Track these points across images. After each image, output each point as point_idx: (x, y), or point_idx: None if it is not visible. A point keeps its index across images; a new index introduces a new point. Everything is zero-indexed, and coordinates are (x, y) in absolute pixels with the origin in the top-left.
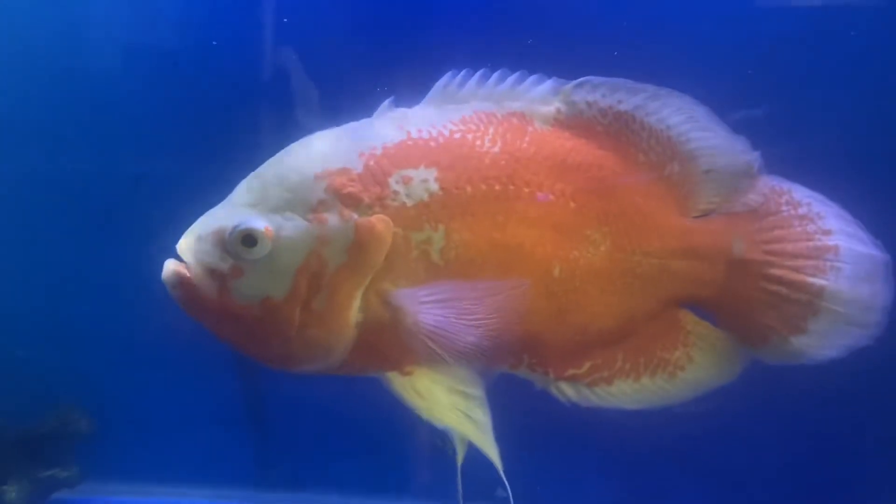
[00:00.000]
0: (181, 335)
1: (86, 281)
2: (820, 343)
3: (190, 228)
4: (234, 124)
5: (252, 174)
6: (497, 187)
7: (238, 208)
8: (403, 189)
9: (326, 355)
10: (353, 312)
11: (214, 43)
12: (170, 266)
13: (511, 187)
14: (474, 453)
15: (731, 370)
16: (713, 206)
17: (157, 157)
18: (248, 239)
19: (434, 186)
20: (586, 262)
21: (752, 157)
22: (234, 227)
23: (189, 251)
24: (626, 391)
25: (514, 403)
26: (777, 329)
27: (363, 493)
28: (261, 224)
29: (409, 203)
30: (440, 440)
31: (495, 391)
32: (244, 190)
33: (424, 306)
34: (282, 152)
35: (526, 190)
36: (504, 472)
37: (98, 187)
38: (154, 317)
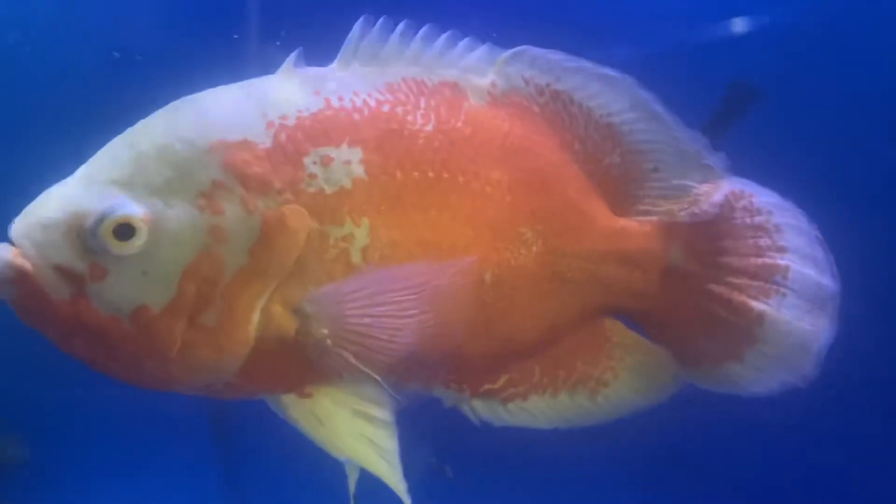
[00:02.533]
0: None
1: None
2: (752, 376)
3: (30, 208)
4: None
5: (118, 140)
6: (430, 174)
7: (101, 186)
8: (322, 172)
9: (211, 378)
10: (252, 327)
11: None
12: (2, 254)
13: (445, 175)
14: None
15: (662, 390)
16: (657, 209)
17: None
18: (121, 229)
19: (358, 170)
20: (517, 266)
21: (711, 158)
22: (103, 214)
23: (30, 241)
24: (542, 408)
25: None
26: (711, 353)
27: None
28: (137, 210)
29: (329, 190)
30: (435, 458)
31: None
32: (108, 161)
33: (349, 308)
34: (160, 113)
35: (461, 179)
36: None
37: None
38: None
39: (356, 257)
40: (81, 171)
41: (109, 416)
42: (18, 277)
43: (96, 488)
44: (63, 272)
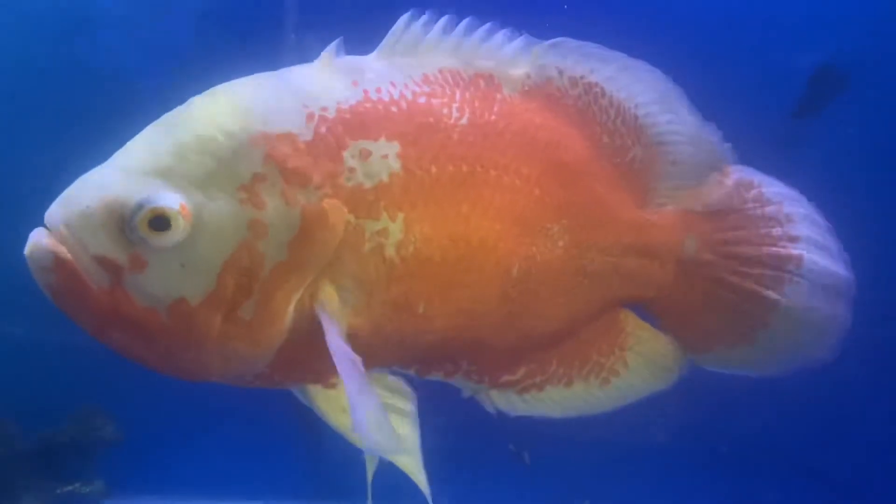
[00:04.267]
0: None
1: None
2: (765, 358)
3: (67, 194)
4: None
5: (155, 128)
6: (464, 169)
7: (141, 176)
8: (360, 166)
9: (244, 370)
10: (287, 320)
11: None
12: (41, 240)
13: (478, 169)
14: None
15: (668, 377)
16: (671, 200)
17: None
18: (159, 221)
19: (395, 164)
20: (543, 260)
21: (722, 150)
22: (139, 204)
23: (69, 229)
24: (556, 398)
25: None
26: (723, 338)
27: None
28: (175, 201)
29: (367, 184)
30: (513, 445)
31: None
32: (147, 150)
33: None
34: (198, 102)
35: (493, 173)
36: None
37: None
38: None
39: (390, 251)
40: (119, 160)
41: (198, 397)
42: (57, 265)
43: (185, 467)
44: (102, 262)
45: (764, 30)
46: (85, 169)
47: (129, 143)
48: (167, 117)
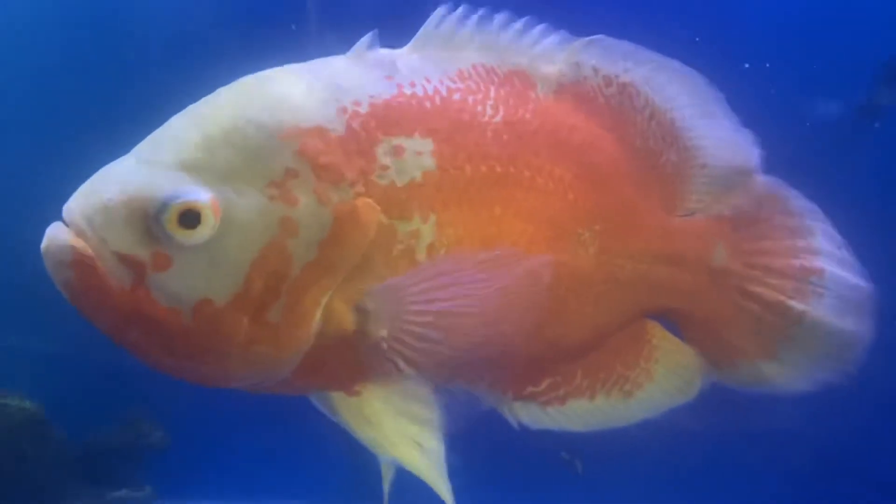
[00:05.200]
0: None
1: None
2: (790, 373)
3: (88, 187)
4: None
5: (181, 119)
6: (497, 169)
7: (166, 170)
8: (393, 163)
9: (268, 376)
10: (315, 324)
11: None
12: (60, 234)
13: (511, 170)
14: None
15: (690, 391)
16: (700, 206)
17: None
18: (187, 217)
19: (429, 162)
20: (574, 267)
21: (755, 157)
22: (167, 199)
23: (90, 224)
24: (579, 411)
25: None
26: (747, 352)
27: None
28: (205, 197)
29: (399, 182)
30: (566, 453)
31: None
32: (173, 143)
33: (410, 303)
34: (226, 93)
35: (526, 174)
36: None
37: None
38: None
39: (421, 254)
40: (143, 152)
41: (244, 403)
42: (76, 261)
43: (231, 472)
44: (123, 259)
45: (825, 27)
46: (104, 162)
47: (152, 135)
48: (193, 108)
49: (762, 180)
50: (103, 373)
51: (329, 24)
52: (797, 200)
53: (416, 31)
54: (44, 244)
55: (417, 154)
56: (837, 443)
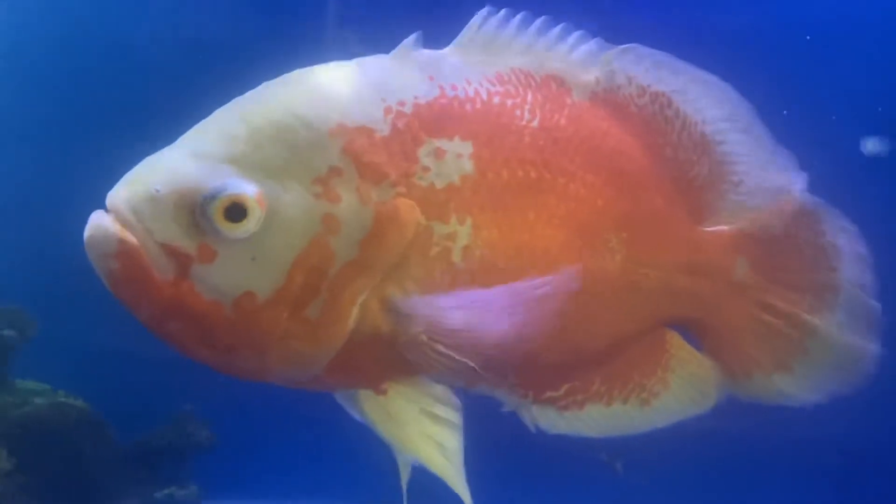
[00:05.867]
0: None
1: None
2: (803, 385)
3: (134, 176)
4: None
5: (227, 113)
6: (533, 174)
7: (214, 162)
8: (434, 165)
9: (302, 372)
10: (351, 321)
11: None
12: (105, 223)
13: (547, 176)
14: None
15: (706, 402)
16: (732, 221)
17: None
18: (234, 210)
19: (468, 166)
20: (600, 274)
21: (792, 176)
22: (215, 191)
23: (136, 215)
24: (595, 417)
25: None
26: (762, 364)
27: None
28: (252, 190)
29: (439, 185)
30: (607, 455)
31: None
32: (219, 136)
33: (445, 317)
34: (273, 88)
35: (560, 181)
36: None
37: None
38: None
39: (457, 257)
40: (189, 144)
41: (289, 402)
42: (121, 251)
43: (279, 471)
44: (169, 251)
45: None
46: (139, 158)
47: (198, 127)
48: (239, 102)
49: (798, 199)
50: (153, 374)
51: (349, 24)
52: (833, 219)
53: (433, 30)
54: (87, 233)
55: (457, 157)
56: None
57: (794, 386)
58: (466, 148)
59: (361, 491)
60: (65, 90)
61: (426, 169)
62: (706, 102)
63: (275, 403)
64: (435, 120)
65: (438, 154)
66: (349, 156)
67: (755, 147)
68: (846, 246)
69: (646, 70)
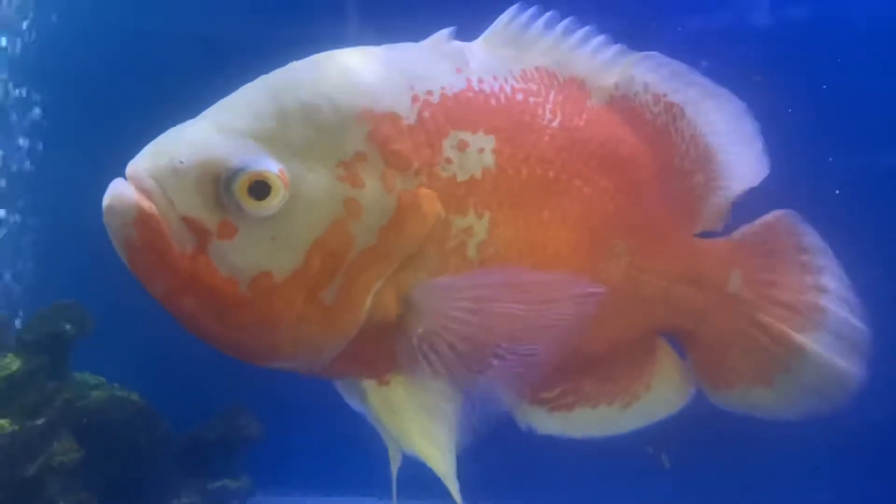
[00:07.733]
0: None
1: None
2: (782, 402)
3: (157, 148)
4: None
5: (255, 89)
6: (550, 174)
7: (240, 138)
8: (457, 157)
9: (312, 358)
10: (365, 309)
11: None
12: (126, 192)
13: (563, 177)
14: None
15: (678, 403)
16: (724, 232)
17: None
18: (258, 187)
19: (489, 160)
20: (605, 279)
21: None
22: (240, 167)
23: (159, 185)
24: (582, 418)
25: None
26: (744, 376)
27: None
28: (276, 168)
29: (460, 177)
30: (652, 447)
31: None
32: (246, 112)
33: (456, 305)
34: (301, 68)
35: (576, 182)
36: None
37: None
38: None
39: (472, 251)
40: (214, 117)
41: (339, 396)
42: (140, 220)
43: (328, 463)
44: (189, 224)
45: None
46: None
47: (224, 102)
48: (267, 80)
49: (784, 215)
50: (205, 368)
51: (368, 19)
52: (811, 237)
53: (448, 26)
54: (106, 200)
55: (480, 151)
56: None
57: (772, 401)
58: (489, 143)
59: (414, 483)
60: (107, 92)
61: (449, 161)
62: (714, 117)
63: (325, 397)
64: (461, 112)
65: (462, 146)
66: (374, 142)
67: (752, 160)
68: (825, 265)
69: (661, 79)
